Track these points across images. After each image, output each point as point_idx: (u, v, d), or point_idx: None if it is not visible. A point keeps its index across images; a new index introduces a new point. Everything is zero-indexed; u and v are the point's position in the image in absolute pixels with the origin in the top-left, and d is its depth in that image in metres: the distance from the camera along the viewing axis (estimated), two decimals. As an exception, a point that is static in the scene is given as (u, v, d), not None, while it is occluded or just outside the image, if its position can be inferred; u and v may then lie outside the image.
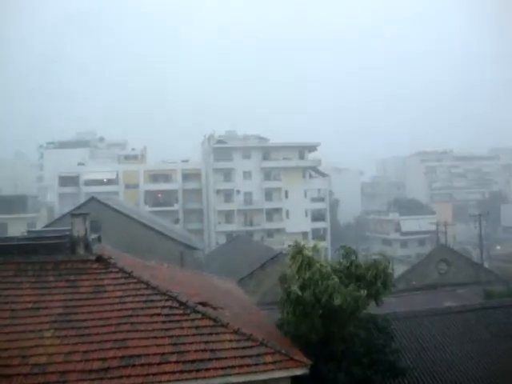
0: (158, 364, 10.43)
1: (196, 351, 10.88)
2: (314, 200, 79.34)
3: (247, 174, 77.10)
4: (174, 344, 11.10)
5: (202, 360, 10.64)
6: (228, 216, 76.35)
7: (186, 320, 12.02)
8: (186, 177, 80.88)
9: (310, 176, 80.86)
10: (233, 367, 10.53)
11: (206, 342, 11.22)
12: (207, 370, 10.43)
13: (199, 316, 12.18)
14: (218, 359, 10.71)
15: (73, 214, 16.10)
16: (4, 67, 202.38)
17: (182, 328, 11.72)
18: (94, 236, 16.41)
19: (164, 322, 11.90)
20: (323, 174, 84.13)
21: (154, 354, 10.69)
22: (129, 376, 10.10)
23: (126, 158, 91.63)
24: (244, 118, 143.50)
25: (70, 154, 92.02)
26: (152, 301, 12.67)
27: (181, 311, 12.32)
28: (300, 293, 12.13)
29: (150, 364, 10.39)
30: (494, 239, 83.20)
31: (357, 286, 12.50)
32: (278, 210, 76.91)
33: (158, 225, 39.84)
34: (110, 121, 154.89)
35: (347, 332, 13.03)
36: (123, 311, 12.18)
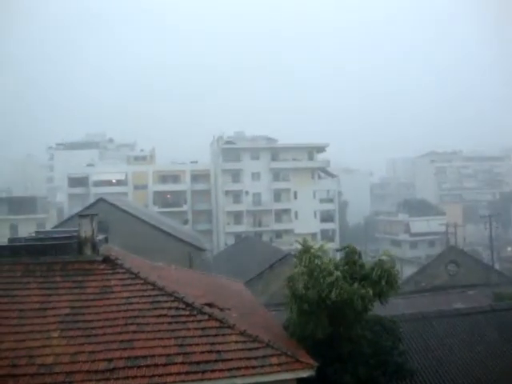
0: (164, 365, 10.42)
1: (202, 352, 10.86)
2: (322, 201, 79.22)
3: (256, 175, 77.14)
4: (180, 345, 11.09)
5: (207, 361, 10.62)
6: (237, 217, 76.42)
7: (193, 321, 12.01)
8: (195, 178, 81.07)
9: (319, 177, 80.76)
10: (238, 369, 10.50)
11: (212, 344, 11.20)
12: (213, 371, 10.41)
13: (206, 317, 12.16)
14: (223, 361, 10.69)
15: (80, 215, 16.17)
16: (13, 68, 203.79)
17: (188, 329, 11.70)
18: (101, 237, 16.45)
19: (170, 323, 11.89)
20: (332, 175, 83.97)
21: (160, 355, 10.68)
22: (134, 377, 10.10)
23: (135, 158, 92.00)
24: (253, 118, 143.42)
25: (79, 155, 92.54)
26: (158, 302, 12.67)
27: (187, 312, 12.31)
28: (304, 291, 12.14)
29: (155, 365, 10.39)
30: (504, 240, 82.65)
31: (361, 286, 12.46)
32: (286, 211, 76.87)
33: (166, 226, 39.88)
34: (119, 122, 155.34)
35: (354, 333, 12.98)
36: (130, 312, 12.19)
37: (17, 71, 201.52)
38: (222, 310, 13.14)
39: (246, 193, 76.54)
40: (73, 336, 11.23)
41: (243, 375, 10.44)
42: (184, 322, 11.96)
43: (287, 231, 73.83)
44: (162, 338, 11.25)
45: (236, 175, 77.33)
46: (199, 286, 16.80)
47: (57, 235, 16.83)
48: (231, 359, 10.75)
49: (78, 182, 78.72)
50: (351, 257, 13.63)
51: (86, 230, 14.98)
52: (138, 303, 12.57)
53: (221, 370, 10.44)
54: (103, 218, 27.69)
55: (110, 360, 10.48)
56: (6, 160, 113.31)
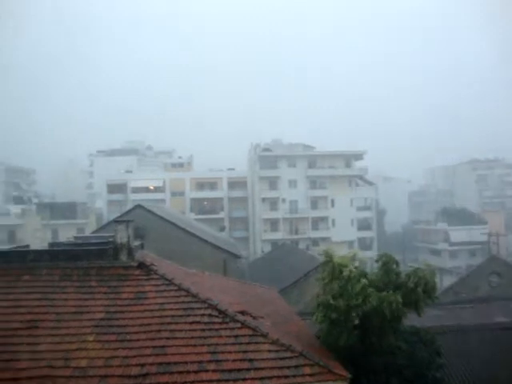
0: (196, 372, 10.44)
1: (234, 360, 10.83)
2: (360, 209, 78.31)
3: (293, 183, 76.90)
4: (213, 352, 11.08)
5: (239, 369, 10.57)
6: (273, 224, 76.28)
7: (225, 329, 12.00)
8: (232, 185, 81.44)
9: (357, 184, 79.91)
10: (270, 378, 10.42)
11: (245, 352, 11.15)
12: (245, 379, 10.36)
13: (238, 325, 12.12)
14: (255, 369, 10.62)
15: (116, 221, 16.41)
16: (59, 78, 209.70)
17: (221, 337, 11.69)
18: (137, 243, 16.66)
19: (203, 330, 11.90)
20: (370, 183, 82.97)
21: (192, 362, 10.70)
22: (166, 383, 10.15)
23: (173, 165, 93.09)
24: (291, 125, 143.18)
25: (118, 162, 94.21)
26: (192, 308, 12.71)
27: (220, 320, 12.31)
28: (332, 301, 11.99)
29: (187, 372, 10.41)
30: (550, 251, 79.77)
31: (392, 293, 12.18)
32: (323, 219, 76.31)
33: (202, 232, 40.09)
34: (158, 129, 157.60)
35: (388, 343, 12.70)
36: (163, 318, 12.27)
37: (57, 80, 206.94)
38: (255, 318, 13.07)
39: (283, 200, 76.35)
40: (107, 340, 11.39)
41: (275, 384, 10.34)
42: (217, 330, 11.96)
43: (324, 239, 73.23)
44: (194, 345, 11.28)
45: (273, 182, 77.25)
46: (233, 294, 16.79)
47: (94, 240, 17.14)
48: (263, 368, 10.68)
49: (116, 188, 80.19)
50: (388, 265, 13.39)
51: (121, 235, 15.19)
52: (171, 309, 12.65)
53: (253, 379, 10.38)
54: (140, 224, 28.10)
55: (142, 365, 10.56)
56: (50, 166, 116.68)
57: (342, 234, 72.31)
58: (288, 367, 10.73)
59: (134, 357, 10.82)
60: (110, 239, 15.82)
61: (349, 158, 78.82)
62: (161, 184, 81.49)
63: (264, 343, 11.49)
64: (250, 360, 10.87)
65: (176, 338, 11.50)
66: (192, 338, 11.55)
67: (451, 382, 14.06)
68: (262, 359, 10.93)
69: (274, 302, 18.47)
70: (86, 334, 11.62)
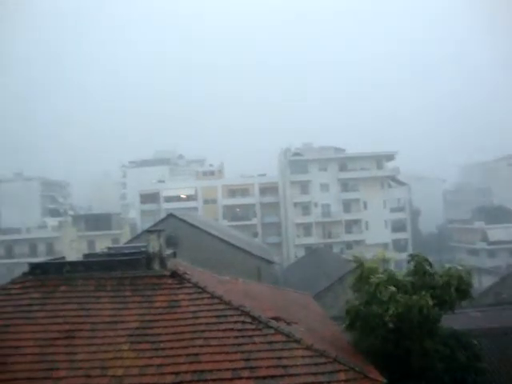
0: (230, 379, 10.43)
1: (268, 367, 10.77)
2: (393, 210, 77.27)
3: (324, 186, 76.53)
4: (246, 359, 11.05)
5: (273, 376, 10.51)
6: (306, 229, 76.00)
7: (259, 335, 11.94)
8: (264, 190, 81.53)
9: (389, 186, 78.98)
10: (305, 384, 10.32)
11: (279, 358, 11.08)
12: (279, 386, 10.28)
13: (272, 331, 12.06)
14: (290, 376, 10.54)
15: (148, 231, 16.60)
16: (87, 92, 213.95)
17: (255, 343, 11.65)
18: (169, 251, 16.80)
19: (236, 337, 11.88)
20: (402, 183, 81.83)
21: (226, 370, 10.70)
22: (201, 391, 10.17)
23: (204, 174, 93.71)
24: (321, 128, 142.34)
25: (150, 172, 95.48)
26: (225, 316, 12.71)
27: (253, 326, 12.26)
28: (362, 307, 11.86)
29: (221, 379, 10.42)
30: None
31: (421, 296, 11.94)
32: (356, 222, 75.67)
33: (235, 239, 40.23)
34: (189, 138, 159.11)
35: (424, 347, 12.43)
36: (196, 326, 12.32)
37: (83, 94, 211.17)
38: (288, 323, 13.02)
39: (315, 204, 76.02)
40: (142, 349, 11.50)
41: (310, 391, 10.25)
42: (250, 336, 11.92)
43: (358, 242, 72.60)
44: (228, 352, 11.27)
45: (304, 187, 77.04)
46: (266, 300, 16.76)
47: (127, 251, 17.38)
48: (298, 374, 10.59)
49: (149, 198, 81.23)
50: (420, 266, 13.16)
51: (153, 245, 15.36)
52: (204, 317, 12.68)
53: (287, 385, 10.29)
54: (172, 232, 28.49)
55: (177, 373, 10.62)
56: (84, 179, 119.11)
57: (376, 236, 71.55)
58: (322, 373, 10.61)
59: (169, 365, 10.89)
60: (143, 249, 16.03)
61: (380, 159, 78.03)
62: (193, 192, 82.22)
63: (298, 349, 11.40)
64: (284, 366, 10.79)
65: (210, 346, 11.51)
66: (225, 345, 11.55)
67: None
68: (296, 365, 10.84)
69: (307, 307, 18.37)
70: (121, 343, 11.76)
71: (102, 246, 43.75)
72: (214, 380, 10.39)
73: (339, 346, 12.77)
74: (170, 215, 35.45)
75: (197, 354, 11.23)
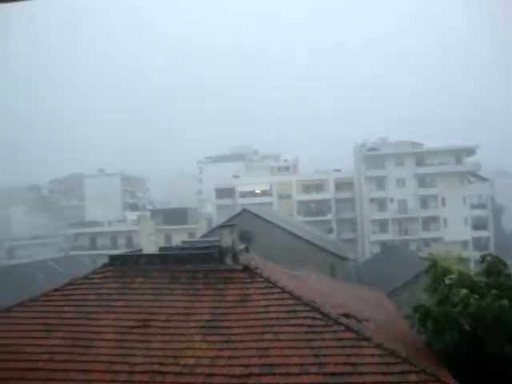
0: (298, 374, 10.48)
1: (336, 364, 10.71)
2: (474, 207, 74.18)
3: (401, 182, 74.77)
4: (315, 355, 11.05)
5: (342, 373, 10.44)
6: (382, 225, 74.65)
7: (328, 331, 11.90)
8: (339, 186, 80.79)
9: (469, 181, 75.86)
10: (373, 383, 10.19)
11: (348, 355, 11.00)
12: None
13: (342, 328, 11.98)
14: (358, 374, 10.43)
15: (221, 226, 17.01)
16: (167, 89, 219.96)
17: (324, 339, 11.62)
18: (242, 246, 17.12)
19: (306, 332, 11.91)
20: (484, 179, 78.31)
21: (295, 365, 10.75)
22: (269, 384, 10.31)
23: (279, 169, 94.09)
24: (397, 122, 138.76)
25: (226, 168, 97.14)
26: (295, 311, 12.77)
27: (323, 322, 12.22)
28: (434, 307, 11.50)
29: (289, 374, 10.49)
30: None
31: (496, 297, 11.40)
32: (434, 218, 73.34)
33: (308, 234, 40.16)
34: (264, 134, 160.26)
35: (504, 353, 11.86)
36: (267, 320, 12.47)
37: (163, 92, 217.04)
38: (359, 321, 12.90)
39: (391, 200, 74.46)
40: (213, 341, 11.81)
41: (379, 390, 10.11)
42: (320, 332, 11.90)
43: (436, 239, 70.32)
44: (297, 348, 11.33)
45: (380, 182, 75.63)
46: (338, 296, 16.68)
47: (201, 245, 17.85)
48: (367, 373, 10.45)
49: (224, 193, 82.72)
50: (494, 267, 12.59)
51: (226, 240, 15.72)
52: (275, 312, 12.81)
53: None
54: (246, 227, 28.84)
55: (246, 366, 10.82)
56: (163, 174, 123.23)
57: (455, 233, 69.00)
58: (392, 373, 10.40)
59: (238, 357, 11.12)
60: (216, 243, 16.43)
61: (460, 154, 75.06)
62: (268, 188, 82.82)
63: (367, 347, 11.25)
64: (353, 364, 10.69)
65: (279, 340, 11.62)
66: (295, 340, 11.61)
67: None
68: (365, 363, 10.71)
69: (380, 305, 18.11)
70: (194, 334, 12.14)
71: (178, 239, 45.04)
72: (282, 374, 10.49)
73: (411, 346, 12.49)
74: (244, 210, 35.94)
75: (266, 348, 11.38)
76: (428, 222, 73.46)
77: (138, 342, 12.17)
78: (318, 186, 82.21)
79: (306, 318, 12.45)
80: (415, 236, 72.23)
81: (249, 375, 10.52)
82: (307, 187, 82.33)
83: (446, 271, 12.23)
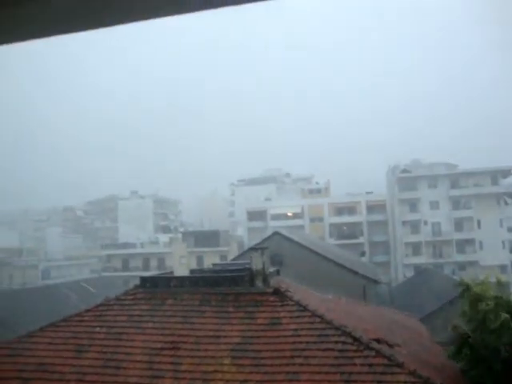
0: (328, 400, 10.33)
1: (368, 390, 10.53)
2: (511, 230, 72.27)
3: (434, 204, 73.53)
4: (346, 381, 10.91)
5: (373, 400, 10.26)
6: (415, 248, 73.35)
7: (359, 357, 11.72)
8: (371, 208, 79.93)
9: (505, 203, 73.99)
10: (406, 412, 9.95)
11: (379, 382, 10.81)
12: (379, 411, 10.01)
13: (373, 353, 11.78)
14: (390, 401, 10.22)
15: (251, 248, 17.05)
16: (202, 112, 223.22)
17: (355, 365, 11.45)
18: (272, 269, 17.08)
19: (336, 357, 11.75)
20: (522, 200, 76.35)
21: (326, 390, 10.61)
22: (299, 409, 10.17)
23: (311, 191, 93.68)
24: (430, 144, 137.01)
25: (258, 190, 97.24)
26: (326, 335, 12.63)
27: (354, 347, 12.05)
28: (471, 334, 11.14)
29: (319, 399, 10.34)
30: None
31: None
32: (469, 241, 71.64)
33: (340, 258, 39.74)
34: (295, 157, 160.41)
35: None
36: (297, 344, 12.36)
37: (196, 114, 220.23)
38: (391, 346, 12.65)
39: (425, 222, 73.21)
40: (242, 364, 11.76)
41: (411, 419, 9.86)
42: (351, 357, 11.73)
43: (471, 263, 68.56)
44: (327, 373, 11.19)
45: (413, 204, 74.58)
46: (369, 320, 16.41)
47: (231, 267, 17.89)
48: (399, 400, 10.24)
49: (256, 215, 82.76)
50: None
51: (257, 262, 15.71)
52: (305, 336, 12.70)
53: (387, 411, 10.00)
54: (277, 250, 28.78)
55: (276, 390, 10.71)
56: (195, 196, 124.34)
57: (492, 257, 67.07)
58: (425, 401, 10.17)
59: (268, 381, 11.04)
60: (247, 266, 16.43)
61: (495, 175, 73.44)
62: (299, 210, 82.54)
63: (400, 373, 11.02)
64: (385, 390, 10.49)
65: (309, 365, 11.50)
66: (325, 365, 11.47)
67: None
68: (398, 390, 10.50)
69: (413, 330, 17.73)
70: (223, 357, 12.11)
71: (209, 262, 45.27)
72: (311, 399, 10.36)
73: (446, 374, 12.19)
74: (276, 233, 35.86)
75: (296, 373, 11.26)
76: (463, 245, 71.81)
77: (168, 364, 12.21)
78: (350, 209, 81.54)
79: (336, 342, 12.30)
80: (449, 259, 70.64)
81: (278, 400, 10.42)
82: (339, 210, 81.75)
83: (481, 297, 11.87)
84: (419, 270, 59.62)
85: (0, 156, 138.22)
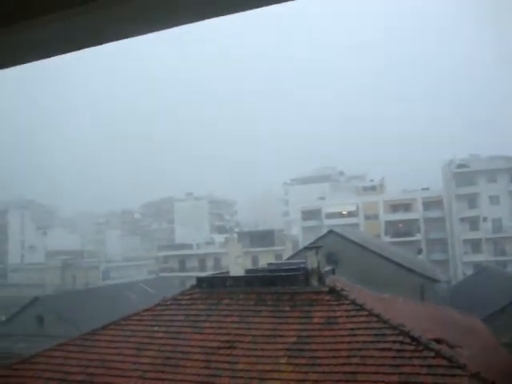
0: (386, 401, 10.17)
1: (427, 393, 10.29)
2: None
3: (494, 199, 70.95)
4: (404, 382, 10.67)
5: (434, 402, 10.01)
6: (475, 245, 71.03)
7: (418, 357, 11.45)
8: (427, 205, 78.02)
9: None
10: (468, 415, 9.65)
11: (440, 384, 10.52)
12: (439, 414, 9.77)
13: (432, 354, 11.48)
14: (452, 404, 9.95)
15: (306, 248, 17.01)
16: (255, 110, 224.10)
17: (413, 365, 11.19)
18: (327, 268, 16.99)
19: (394, 357, 11.54)
20: None
21: (383, 391, 10.45)
22: (357, 410, 10.07)
23: (365, 189, 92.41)
24: (489, 136, 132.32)
25: (311, 189, 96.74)
26: (383, 335, 12.43)
27: (412, 347, 11.79)
28: None
29: (377, 400, 10.20)
30: None
31: None
32: (534, 238, 68.81)
33: (396, 256, 39.02)
34: (349, 154, 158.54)
35: None
36: (353, 344, 12.23)
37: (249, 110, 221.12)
38: (451, 347, 12.32)
39: (484, 219, 70.76)
40: (298, 364, 11.75)
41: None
42: (409, 358, 11.49)
43: (538, 260, 65.88)
44: (385, 373, 10.99)
45: (472, 200, 72.26)
46: (428, 320, 16.05)
47: (286, 267, 17.91)
48: (461, 404, 9.95)
49: (310, 214, 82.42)
50: None
51: (311, 261, 15.67)
52: (361, 335, 12.55)
53: (448, 414, 9.74)
54: (332, 249, 28.58)
55: (333, 390, 10.65)
56: (250, 197, 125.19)
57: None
58: (490, 406, 9.83)
59: (324, 381, 10.97)
60: (302, 265, 16.42)
61: (561, 168, 70.25)
62: (354, 208, 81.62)
63: (462, 376, 10.67)
64: (446, 394, 10.22)
65: (366, 365, 11.34)
66: (382, 365, 11.26)
67: None
68: (460, 394, 10.20)
69: (475, 331, 17.19)
70: (279, 356, 12.14)
71: (265, 261, 45.44)
72: (369, 400, 10.23)
73: (511, 376, 11.75)
74: (330, 231, 35.65)
75: (353, 373, 11.15)
76: (527, 242, 69.05)
77: (224, 363, 12.35)
78: (406, 206, 79.87)
79: (394, 342, 12.08)
80: (513, 257, 68.08)
81: (335, 400, 10.36)
82: (394, 207, 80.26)
83: None
84: (480, 268, 57.71)
85: (66, 166, 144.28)
